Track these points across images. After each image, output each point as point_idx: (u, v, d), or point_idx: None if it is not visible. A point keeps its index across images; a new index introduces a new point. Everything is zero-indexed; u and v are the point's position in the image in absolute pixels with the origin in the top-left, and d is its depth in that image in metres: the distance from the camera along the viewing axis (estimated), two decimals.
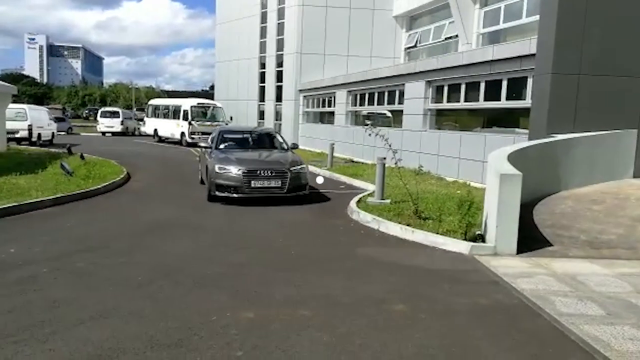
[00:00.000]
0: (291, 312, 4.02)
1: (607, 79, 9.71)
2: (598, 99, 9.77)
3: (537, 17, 11.26)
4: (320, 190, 11.38)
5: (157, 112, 29.87)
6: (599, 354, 3.48)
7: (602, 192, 9.03)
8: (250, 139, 11.46)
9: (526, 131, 11.03)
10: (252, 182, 9.25)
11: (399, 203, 8.88)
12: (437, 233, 6.62)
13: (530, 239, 6.40)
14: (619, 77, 9.72)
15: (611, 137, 9.76)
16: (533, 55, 10.50)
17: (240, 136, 11.72)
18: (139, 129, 36.09)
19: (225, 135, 11.42)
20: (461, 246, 6.07)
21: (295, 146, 11.70)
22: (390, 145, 8.27)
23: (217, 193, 9.33)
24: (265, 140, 11.61)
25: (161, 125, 28.49)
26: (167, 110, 28.44)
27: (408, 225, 7.19)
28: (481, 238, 6.32)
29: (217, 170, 9.41)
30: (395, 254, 6.01)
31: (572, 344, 3.67)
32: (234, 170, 9.30)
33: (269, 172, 9.38)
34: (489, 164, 7.26)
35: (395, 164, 8.38)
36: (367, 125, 20.68)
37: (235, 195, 9.25)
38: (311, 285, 4.78)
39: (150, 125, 30.55)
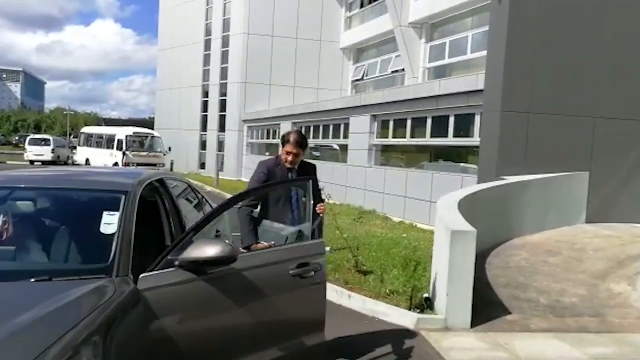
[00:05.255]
0: None
1: (558, 119, 9.20)
2: (549, 139, 9.23)
3: (482, 52, 10.82)
4: None
5: (90, 141, 27.92)
6: None
7: (557, 240, 8.34)
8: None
9: (475, 166, 10.38)
10: None
11: (340, 251, 7.82)
12: (379, 297, 5.59)
13: (485, 304, 5.47)
14: (569, 116, 9.23)
15: (563, 180, 9.19)
16: (480, 91, 9.91)
17: None
18: (72, 157, 33.73)
19: None
20: (406, 318, 5.03)
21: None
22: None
23: None
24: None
25: (93, 155, 26.48)
26: (100, 139, 26.58)
27: (346, 282, 6.16)
28: (429, 303, 5.33)
29: None
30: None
31: None
32: None
33: None
34: (437, 214, 6.35)
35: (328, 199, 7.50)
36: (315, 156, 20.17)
37: None
38: None
39: (82, 154, 28.46)
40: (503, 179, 8.94)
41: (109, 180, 3.52)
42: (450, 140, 12.03)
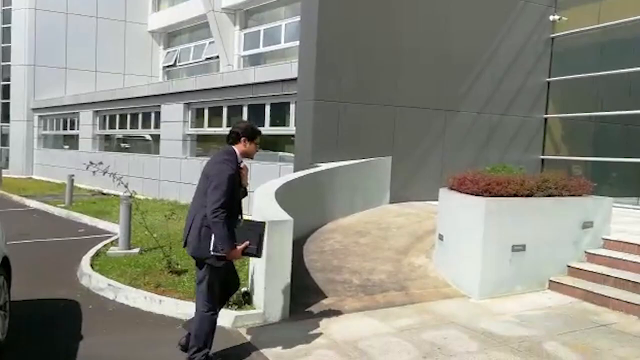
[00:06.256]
0: None
1: (365, 107, 9.77)
2: (358, 126, 9.75)
3: (296, 42, 10.95)
4: (46, 240, 8.80)
5: None
6: None
7: (366, 221, 8.87)
8: None
9: (292, 155, 10.53)
10: None
11: (152, 251, 7.17)
12: (193, 297, 5.15)
13: (303, 291, 5.47)
14: (374, 105, 9.87)
15: (370, 165, 9.83)
16: (294, 79, 10.03)
17: None
18: None
19: None
20: (223, 317, 4.70)
21: None
22: (120, 180, 6.71)
23: None
24: None
25: None
26: None
27: (158, 285, 5.60)
28: (247, 298, 5.11)
29: None
30: (129, 347, 4.30)
31: None
32: None
33: None
34: (254, 205, 6.17)
35: (131, 196, 7.23)
36: (124, 148, 18.47)
37: None
38: None
39: None
40: (317, 166, 9.19)
41: None
42: (267, 129, 11.99)
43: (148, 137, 16.96)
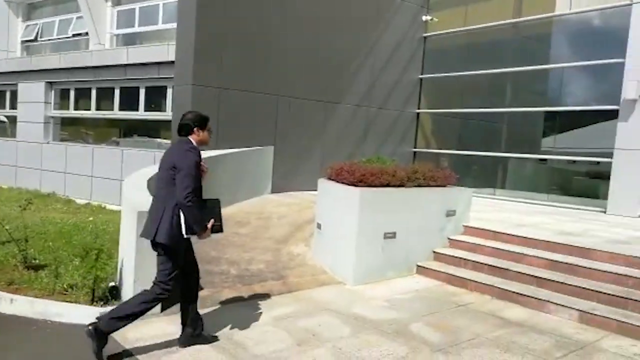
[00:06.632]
0: None
1: (247, 95, 9.62)
2: (240, 114, 9.58)
3: (175, 24, 10.40)
4: None
5: None
6: None
7: (247, 211, 8.76)
8: None
9: (170, 142, 10.03)
10: None
11: (4, 245, 6.37)
12: (54, 294, 4.70)
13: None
14: (257, 93, 9.75)
15: (252, 154, 9.73)
16: (171, 62, 9.54)
17: None
18: None
19: None
20: (86, 314, 4.33)
21: None
22: None
23: None
24: None
25: None
26: None
27: (10, 283, 4.99)
28: (115, 292, 4.76)
29: None
30: None
31: None
32: None
33: None
34: (123, 194, 5.75)
35: None
36: None
37: None
38: None
39: None
40: None
41: None
42: (142, 114, 11.31)
43: (3, 119, 15.11)
